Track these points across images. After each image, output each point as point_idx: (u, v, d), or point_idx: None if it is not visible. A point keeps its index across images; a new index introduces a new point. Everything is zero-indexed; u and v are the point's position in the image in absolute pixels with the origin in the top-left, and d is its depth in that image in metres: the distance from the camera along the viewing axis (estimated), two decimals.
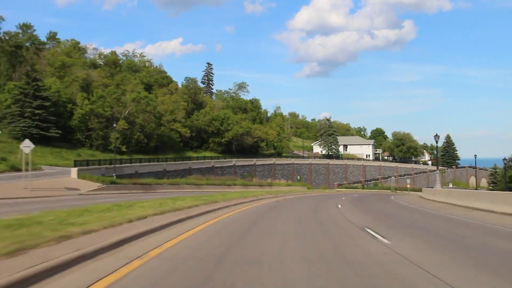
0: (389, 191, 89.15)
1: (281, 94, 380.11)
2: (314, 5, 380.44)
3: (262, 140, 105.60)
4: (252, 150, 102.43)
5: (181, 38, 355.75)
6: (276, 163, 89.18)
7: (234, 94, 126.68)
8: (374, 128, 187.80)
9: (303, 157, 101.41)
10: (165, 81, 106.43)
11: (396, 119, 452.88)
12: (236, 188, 61.11)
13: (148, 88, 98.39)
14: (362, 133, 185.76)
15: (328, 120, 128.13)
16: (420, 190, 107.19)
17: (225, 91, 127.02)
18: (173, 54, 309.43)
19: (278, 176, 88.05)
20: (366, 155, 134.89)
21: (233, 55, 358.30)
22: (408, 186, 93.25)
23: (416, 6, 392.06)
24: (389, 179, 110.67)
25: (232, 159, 79.65)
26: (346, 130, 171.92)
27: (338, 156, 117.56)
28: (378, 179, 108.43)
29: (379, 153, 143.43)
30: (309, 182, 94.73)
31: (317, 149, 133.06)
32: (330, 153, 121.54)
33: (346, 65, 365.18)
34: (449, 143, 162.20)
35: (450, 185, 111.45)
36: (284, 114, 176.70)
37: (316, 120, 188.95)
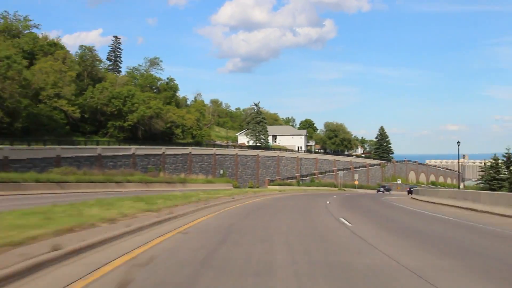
0: (336, 188, 73.14)
1: (204, 89, 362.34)
2: (238, 0, 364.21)
3: (178, 126, 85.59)
4: (165, 138, 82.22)
5: (101, 29, 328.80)
6: (193, 153, 69.63)
7: (144, 72, 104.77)
8: (304, 119, 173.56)
9: (227, 146, 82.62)
10: (53, 49, 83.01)
11: (318, 116, 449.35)
12: (131, 187, 41.23)
13: (31, 57, 74.93)
14: (291, 124, 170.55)
15: (256, 105, 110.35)
16: (363, 187, 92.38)
17: (133, 67, 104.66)
18: (92, 45, 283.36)
19: (196, 170, 68.70)
20: (298, 147, 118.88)
21: (155, 48, 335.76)
22: (356, 182, 77.78)
23: (336, 6, 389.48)
24: (326, 174, 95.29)
25: (131, 146, 59.03)
26: (274, 120, 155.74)
27: (268, 147, 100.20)
28: (315, 174, 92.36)
29: (311, 145, 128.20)
30: (235, 178, 76.29)
31: (243, 139, 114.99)
32: (258, 143, 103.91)
33: (269, 62, 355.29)
34: (382, 135, 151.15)
35: (399, 181, 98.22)
36: (206, 103, 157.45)
37: (241, 109, 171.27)
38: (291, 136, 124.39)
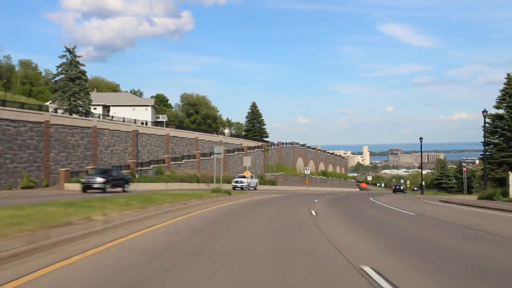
0: (204, 186, 36.11)
1: None
2: None
3: None
4: None
5: None
6: None
7: None
8: (154, 94, 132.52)
9: None
10: None
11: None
12: None
13: None
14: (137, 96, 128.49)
15: (70, 51, 67.33)
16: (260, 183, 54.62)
17: None
18: None
19: None
20: (144, 123, 79.21)
21: None
22: (248, 174, 41.32)
23: None
24: (184, 161, 57.87)
25: None
26: (112, 91, 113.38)
27: (89, 113, 58.46)
28: (164, 161, 54.09)
29: (163, 122, 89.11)
30: None
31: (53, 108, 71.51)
32: (72, 111, 61.76)
33: (125, 52, 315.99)
34: (255, 114, 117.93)
35: (307, 171, 64.31)
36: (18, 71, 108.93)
37: None
38: (131, 108, 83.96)
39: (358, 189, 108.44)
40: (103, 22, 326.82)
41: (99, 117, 53.59)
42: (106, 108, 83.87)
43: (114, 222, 10.66)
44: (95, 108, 76.97)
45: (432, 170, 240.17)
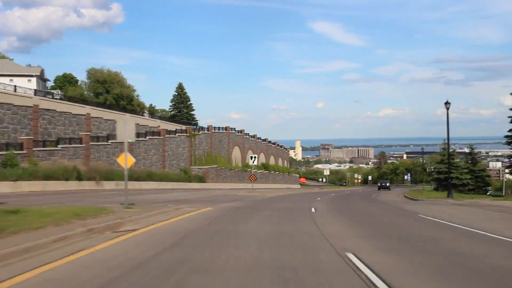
0: (91, 185, 17.16)
1: None
2: None
3: None
4: None
5: None
6: None
7: None
8: (61, 74, 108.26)
9: None
10: None
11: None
12: None
13: None
14: (35, 74, 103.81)
15: None
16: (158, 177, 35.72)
17: None
18: None
19: None
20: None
21: None
22: (130, 162, 22.54)
23: None
24: (61, 148, 37.52)
25: None
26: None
27: None
28: (22, 146, 33.45)
29: (60, 97, 67.27)
30: None
31: None
32: None
33: (51, 43, 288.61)
34: (182, 97, 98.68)
35: (253, 161, 45.40)
36: None
37: None
38: (8, 78, 61.80)
39: (299, 186, 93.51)
40: (26, 12, 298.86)
41: None
42: None
43: None
44: None
45: (372, 165, 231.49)
